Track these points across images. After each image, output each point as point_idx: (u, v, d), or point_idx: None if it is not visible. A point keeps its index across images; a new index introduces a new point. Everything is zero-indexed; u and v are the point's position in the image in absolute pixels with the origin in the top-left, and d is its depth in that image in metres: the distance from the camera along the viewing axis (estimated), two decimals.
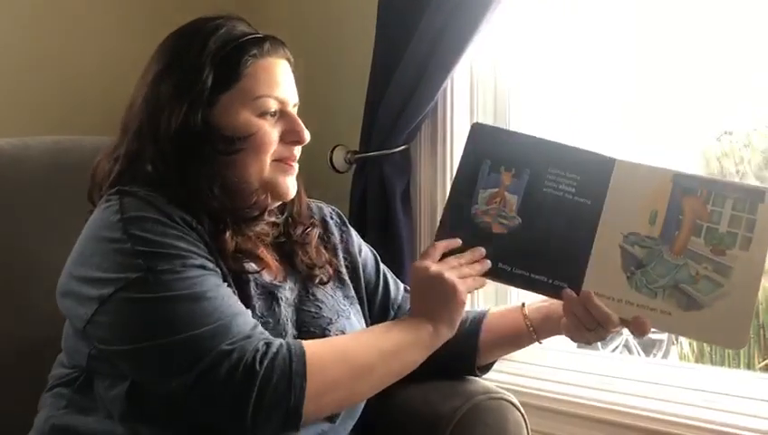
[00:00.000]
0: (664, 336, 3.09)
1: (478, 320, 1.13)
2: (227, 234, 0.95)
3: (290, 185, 1.03)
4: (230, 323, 0.87)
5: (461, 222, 1.00)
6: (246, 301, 0.95)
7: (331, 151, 1.66)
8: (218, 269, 0.93)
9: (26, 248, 1.26)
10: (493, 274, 0.99)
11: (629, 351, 3.11)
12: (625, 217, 0.95)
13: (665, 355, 3.00)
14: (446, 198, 1.05)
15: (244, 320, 0.89)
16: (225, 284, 0.93)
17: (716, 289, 0.90)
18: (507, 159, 1.00)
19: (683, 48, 1.48)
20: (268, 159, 1.00)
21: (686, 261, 0.92)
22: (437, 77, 1.48)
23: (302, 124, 1.02)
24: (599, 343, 3.14)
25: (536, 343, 1.10)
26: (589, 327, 0.95)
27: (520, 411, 1.12)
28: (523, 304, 1.10)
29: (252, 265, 0.98)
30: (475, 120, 1.59)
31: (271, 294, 1.00)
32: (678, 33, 1.47)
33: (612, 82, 1.56)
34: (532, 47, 1.56)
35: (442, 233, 1.02)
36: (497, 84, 1.61)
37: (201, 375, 0.84)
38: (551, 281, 0.96)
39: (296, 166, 1.04)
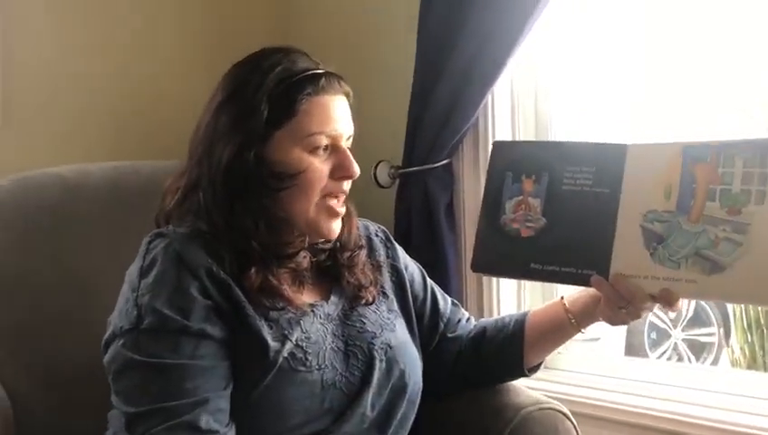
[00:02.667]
0: (714, 339, 3.05)
1: (521, 321, 1.16)
2: (253, 270, 0.98)
3: (332, 227, 1.05)
4: (175, 409, 0.90)
5: (493, 234, 1.06)
6: (276, 332, 0.98)
7: (375, 167, 1.68)
8: (223, 330, 0.96)
9: (87, 272, 1.31)
10: (527, 275, 1.06)
11: (680, 356, 3.08)
12: (642, 197, 0.97)
13: (715, 359, 2.96)
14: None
15: (197, 412, 0.91)
16: (219, 352, 0.95)
17: (737, 248, 0.90)
18: (527, 168, 1.05)
19: (700, 50, 1.47)
20: (316, 196, 1.02)
21: (704, 227, 0.93)
22: (478, 92, 1.50)
23: (352, 159, 1.04)
24: (647, 349, 3.11)
25: (580, 333, 1.13)
26: (621, 306, 0.98)
27: (570, 421, 1.13)
28: (562, 298, 1.13)
29: (275, 303, 0.99)
30: (516, 134, 1.61)
31: (305, 316, 1.02)
32: (695, 35, 1.47)
33: (648, 90, 1.56)
34: (572, 60, 1.57)
35: (478, 247, 1.07)
36: (537, 97, 1.62)
37: None
38: (580, 271, 0.99)
39: (342, 209, 1.06)
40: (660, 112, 1.57)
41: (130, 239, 1.05)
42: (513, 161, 1.07)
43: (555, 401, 1.15)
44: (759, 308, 2.17)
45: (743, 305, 2.29)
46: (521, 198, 1.05)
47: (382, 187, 1.69)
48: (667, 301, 0.95)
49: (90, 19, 1.77)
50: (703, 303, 3.15)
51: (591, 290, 1.03)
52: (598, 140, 1.05)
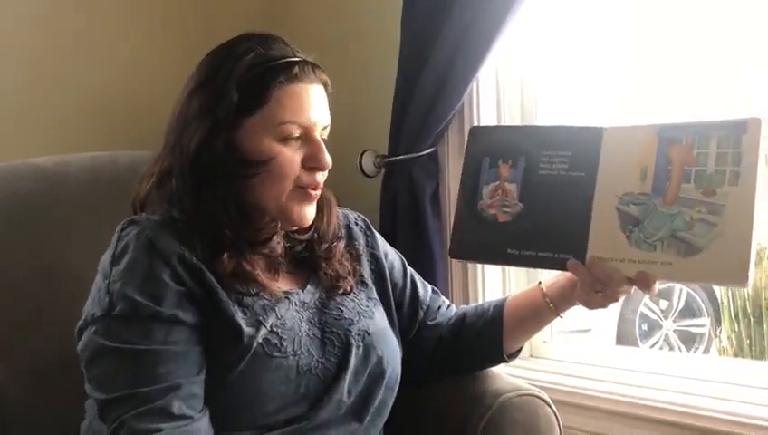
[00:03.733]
0: (704, 330, 3.05)
1: (499, 307, 1.16)
2: (225, 256, 0.97)
3: (305, 214, 1.04)
4: (147, 395, 0.90)
5: (471, 220, 1.05)
6: (250, 318, 0.97)
7: (361, 156, 1.68)
8: (195, 316, 0.95)
9: (66, 262, 1.30)
10: (504, 260, 1.06)
11: (671, 347, 3.09)
12: (618, 179, 0.97)
13: (706, 349, 2.96)
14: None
15: (169, 397, 0.90)
16: (192, 337, 0.95)
17: (712, 229, 0.90)
18: (503, 152, 1.05)
19: (685, 39, 1.47)
20: (288, 186, 1.01)
21: (680, 209, 0.93)
22: (463, 79, 1.49)
23: (325, 150, 1.02)
24: (638, 340, 3.12)
25: (559, 318, 1.12)
26: (597, 290, 0.98)
27: (551, 407, 1.13)
28: (540, 282, 1.12)
29: (249, 288, 0.99)
30: (501, 122, 1.60)
31: (280, 303, 1.01)
32: (680, 23, 1.46)
33: (636, 79, 1.55)
34: (557, 47, 1.57)
35: (456, 233, 1.07)
36: (523, 85, 1.62)
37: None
38: (556, 255, 0.99)
39: (317, 194, 1.05)
40: (644, 98, 1.56)
41: (110, 229, 1.04)
42: (490, 146, 1.07)
43: (535, 388, 1.14)
44: (745, 296, 2.18)
45: (730, 295, 2.29)
46: (498, 183, 1.05)
47: (368, 176, 1.69)
48: (644, 283, 0.94)
49: (68, 10, 1.76)
50: (694, 294, 3.16)
51: (568, 274, 1.02)
52: (575, 123, 1.04)
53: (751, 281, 0.89)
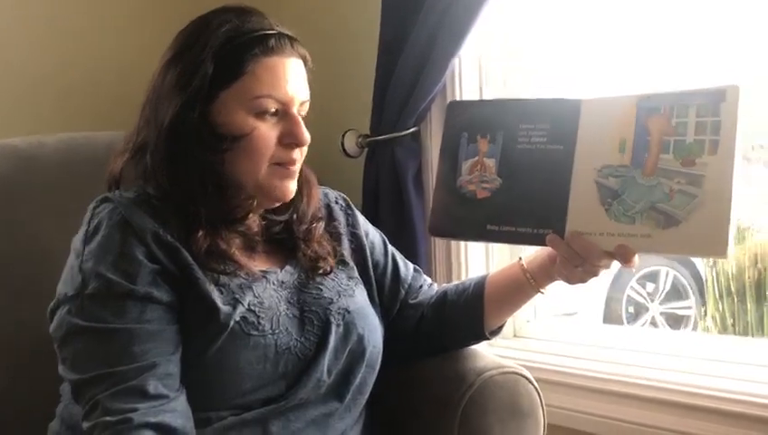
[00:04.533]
0: (690, 312, 3.07)
1: (480, 284, 1.15)
2: (200, 233, 0.95)
3: (287, 189, 1.02)
4: (122, 375, 0.88)
5: (450, 197, 1.04)
6: (227, 296, 0.96)
7: (343, 136, 1.66)
8: (170, 294, 0.93)
9: (42, 244, 1.28)
10: (484, 236, 1.05)
11: (657, 329, 3.10)
12: (597, 152, 0.96)
13: (693, 331, 2.98)
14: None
15: (145, 376, 0.89)
16: (167, 316, 0.93)
17: (691, 200, 0.89)
18: (482, 127, 1.04)
19: (678, 37, 1.46)
20: (264, 162, 0.99)
21: (659, 180, 0.91)
22: (444, 57, 1.47)
23: (303, 126, 1.00)
24: (625, 322, 3.13)
25: (539, 294, 1.11)
26: (576, 264, 0.96)
27: (533, 385, 1.12)
28: (520, 258, 1.11)
29: (225, 267, 0.97)
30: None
31: (257, 281, 1.00)
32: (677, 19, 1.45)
33: (619, 57, 1.54)
34: (539, 21, 1.55)
35: (435, 210, 1.06)
36: (504, 63, 1.60)
37: (83, 418, 0.90)
38: (536, 231, 0.98)
39: (296, 169, 1.03)
40: (626, 76, 1.55)
41: (84, 209, 1.02)
42: (468, 121, 1.05)
43: (518, 366, 1.14)
44: (728, 275, 2.19)
45: (714, 274, 2.30)
46: (476, 158, 1.03)
47: (350, 156, 1.68)
48: (623, 257, 0.93)
49: None
50: (681, 277, 3.18)
51: (548, 249, 1.01)
52: (554, 96, 1.03)
53: (731, 252, 0.88)
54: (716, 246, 0.88)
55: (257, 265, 1.03)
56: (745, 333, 2.08)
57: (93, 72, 1.80)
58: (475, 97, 1.59)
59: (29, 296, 1.24)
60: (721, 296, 2.22)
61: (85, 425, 0.88)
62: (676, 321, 3.11)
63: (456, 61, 1.51)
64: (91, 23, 1.80)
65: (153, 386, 0.89)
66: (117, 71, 1.80)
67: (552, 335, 1.57)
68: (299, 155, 1.02)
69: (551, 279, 1.07)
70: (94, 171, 1.33)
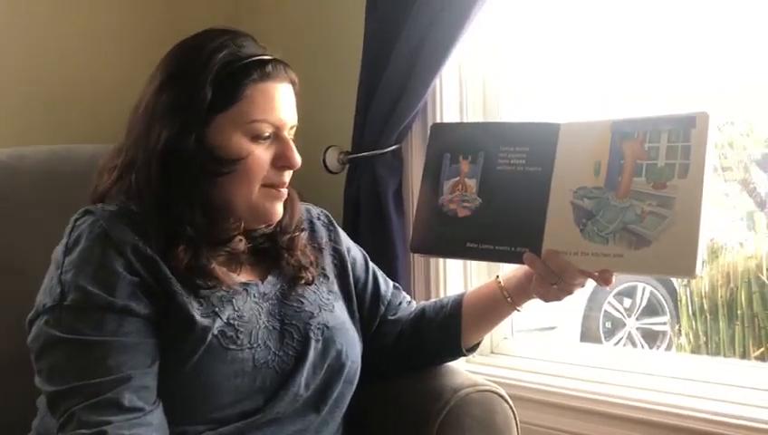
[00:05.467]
0: (666, 328, 3.11)
1: (458, 301, 1.17)
2: (181, 248, 0.96)
3: (276, 211, 1.04)
4: (98, 387, 0.88)
5: (431, 215, 1.07)
6: (206, 309, 0.97)
7: (324, 152, 1.67)
8: (149, 307, 0.94)
9: (22, 256, 1.27)
10: (463, 254, 1.08)
11: (634, 344, 3.13)
12: (573, 174, 0.99)
13: (668, 347, 3.01)
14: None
15: (120, 389, 0.89)
16: (145, 329, 0.93)
17: (662, 222, 0.92)
18: (463, 148, 1.07)
19: (676, 33, 1.48)
20: (257, 184, 1.01)
21: (631, 202, 0.94)
22: (426, 76, 1.49)
23: (294, 149, 1.02)
24: (602, 337, 3.16)
25: (516, 311, 1.13)
26: (552, 282, 0.99)
27: (508, 403, 1.13)
28: (498, 276, 1.13)
29: (205, 282, 0.97)
30: (464, 119, 1.61)
31: (238, 294, 1.01)
32: (673, 20, 1.48)
33: (604, 74, 1.57)
34: (520, 43, 1.58)
35: (417, 228, 1.09)
36: (485, 82, 1.63)
37: (58, 430, 0.89)
38: (513, 249, 1.01)
39: (285, 192, 1.05)
40: (604, 96, 1.58)
41: (65, 223, 1.02)
42: (450, 143, 1.08)
43: (493, 384, 1.15)
44: (702, 294, 2.22)
45: (688, 293, 2.34)
46: (458, 178, 1.06)
47: (331, 172, 1.69)
48: (604, 280, 0.96)
49: (28, 2, 1.73)
50: (657, 293, 3.22)
51: (525, 267, 1.03)
52: (534, 120, 1.06)
53: (699, 272, 0.91)
54: (686, 266, 0.90)
55: (240, 276, 1.03)
56: (717, 352, 2.12)
57: (76, 86, 1.79)
58: (456, 116, 1.61)
59: (6, 309, 1.24)
60: (694, 314, 2.26)
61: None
62: (652, 336, 3.15)
63: (437, 81, 1.53)
64: (73, 38, 1.80)
65: (128, 399, 0.89)
66: (98, 85, 1.80)
67: (528, 352, 1.59)
68: (288, 177, 1.05)
69: (527, 297, 1.09)
70: (75, 184, 1.33)
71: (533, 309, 1.17)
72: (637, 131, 0.96)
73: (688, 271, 0.91)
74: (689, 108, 0.96)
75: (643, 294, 3.21)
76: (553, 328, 2.95)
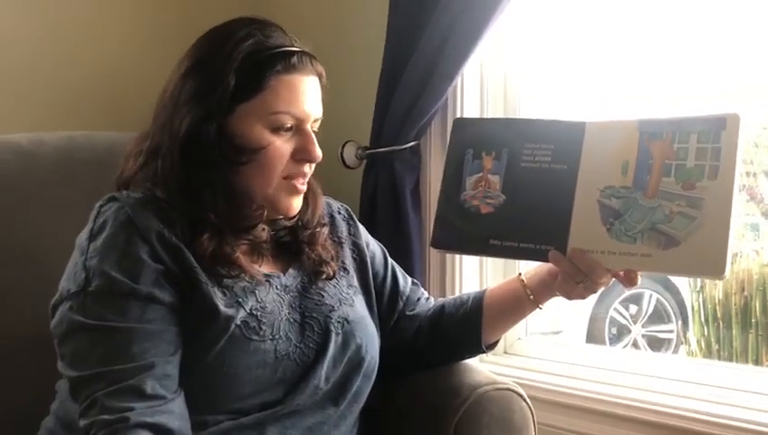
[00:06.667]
0: (672, 335, 3.10)
1: (479, 298, 1.16)
2: (205, 236, 0.96)
3: (293, 205, 1.03)
4: (120, 373, 0.88)
5: (453, 211, 1.06)
6: (229, 299, 0.96)
7: (342, 147, 1.67)
8: (173, 295, 0.94)
9: (40, 241, 1.28)
10: (486, 251, 1.06)
11: (637, 349, 3.12)
12: (599, 173, 0.98)
13: (673, 354, 3.00)
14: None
15: (143, 376, 0.89)
16: (168, 317, 0.93)
17: (691, 222, 0.91)
18: (487, 144, 1.06)
19: (694, 39, 1.47)
20: (276, 176, 1.00)
21: (660, 202, 0.94)
22: (447, 73, 1.49)
23: (316, 142, 1.02)
24: (608, 343, 3.15)
25: (538, 309, 1.12)
26: (577, 280, 0.98)
27: (526, 402, 1.13)
28: (520, 274, 1.13)
29: (228, 271, 0.97)
30: (484, 116, 1.61)
31: (260, 285, 1.00)
32: (689, 24, 1.47)
33: (623, 73, 1.56)
34: (542, 42, 1.57)
35: (438, 224, 1.07)
36: (506, 79, 1.62)
37: (80, 415, 0.90)
38: (538, 247, 1.00)
39: (304, 186, 1.04)
40: (627, 94, 1.57)
41: (83, 209, 1.02)
42: (473, 138, 1.07)
43: (511, 382, 1.15)
44: (715, 301, 2.22)
45: (701, 299, 2.33)
46: (481, 174, 1.05)
47: (349, 167, 1.68)
48: (630, 280, 0.96)
49: None
50: (663, 300, 3.21)
51: (548, 265, 1.03)
52: (558, 117, 1.05)
53: (727, 274, 0.90)
54: (715, 267, 0.90)
55: (262, 268, 1.03)
56: (730, 359, 2.11)
57: (94, 73, 1.79)
58: (476, 113, 1.61)
59: (24, 293, 1.24)
60: (707, 321, 2.24)
61: (82, 422, 0.88)
62: (657, 344, 3.14)
63: (458, 78, 1.53)
64: (93, 24, 1.80)
65: (151, 386, 0.89)
66: (117, 72, 1.80)
67: (542, 353, 1.58)
68: (309, 170, 1.04)
69: (550, 295, 1.08)
70: (93, 170, 1.34)
71: (538, 313, 1.16)
72: (665, 131, 0.96)
73: (717, 272, 0.90)
74: (719, 109, 0.95)
75: (650, 302, 3.21)
76: (558, 332, 2.94)
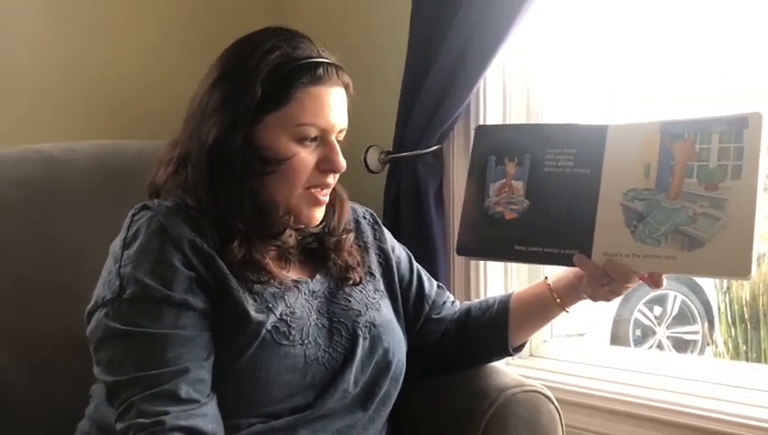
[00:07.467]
0: (698, 337, 3.07)
1: (505, 301, 1.17)
2: (235, 243, 0.98)
3: (313, 216, 1.05)
4: (156, 378, 0.90)
5: (478, 217, 1.07)
6: (260, 305, 0.98)
7: (365, 152, 1.68)
8: (205, 302, 0.95)
9: (72, 249, 1.30)
10: (511, 257, 1.09)
11: (662, 350, 3.10)
12: (622, 176, 0.99)
13: (699, 355, 2.98)
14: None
15: (177, 381, 0.90)
16: (201, 323, 0.95)
17: (715, 223, 0.91)
18: (509, 151, 1.07)
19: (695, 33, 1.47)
20: (300, 186, 1.01)
21: (683, 204, 0.94)
22: (470, 78, 1.49)
23: (340, 153, 1.03)
24: (632, 345, 3.14)
25: (564, 313, 1.13)
26: (603, 283, 0.99)
27: (554, 404, 1.14)
28: (546, 278, 1.14)
29: (258, 277, 0.99)
30: (507, 121, 1.61)
31: (290, 291, 1.02)
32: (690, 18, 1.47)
33: (643, 75, 1.56)
34: (563, 45, 1.57)
35: (463, 231, 1.08)
36: (529, 83, 1.63)
37: (116, 419, 0.91)
38: (563, 251, 1.01)
39: (326, 197, 1.05)
40: (651, 97, 1.57)
41: (114, 218, 1.05)
42: (496, 145, 1.08)
43: (539, 384, 1.15)
44: (742, 302, 2.20)
45: (727, 300, 2.31)
46: (504, 181, 1.06)
47: (372, 172, 1.69)
48: (655, 282, 0.97)
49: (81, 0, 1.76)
50: (688, 301, 3.18)
51: (575, 269, 1.04)
52: (580, 121, 1.06)
53: (753, 274, 0.90)
54: (740, 268, 0.90)
55: (290, 274, 1.05)
56: (758, 361, 2.09)
57: (124, 82, 1.82)
58: (499, 118, 1.61)
59: (56, 302, 1.27)
60: (734, 322, 2.23)
61: (119, 426, 0.90)
62: (682, 345, 3.11)
63: (481, 82, 1.53)
64: (122, 35, 1.83)
65: (185, 390, 0.90)
66: (146, 82, 1.83)
67: (567, 356, 1.58)
68: (332, 180, 1.05)
69: (577, 297, 1.09)
70: (122, 179, 1.37)
71: (563, 316, 1.16)
72: (687, 132, 0.96)
73: (742, 273, 0.90)
74: (740, 108, 0.95)
75: (674, 303, 3.18)
76: (582, 335, 2.93)
